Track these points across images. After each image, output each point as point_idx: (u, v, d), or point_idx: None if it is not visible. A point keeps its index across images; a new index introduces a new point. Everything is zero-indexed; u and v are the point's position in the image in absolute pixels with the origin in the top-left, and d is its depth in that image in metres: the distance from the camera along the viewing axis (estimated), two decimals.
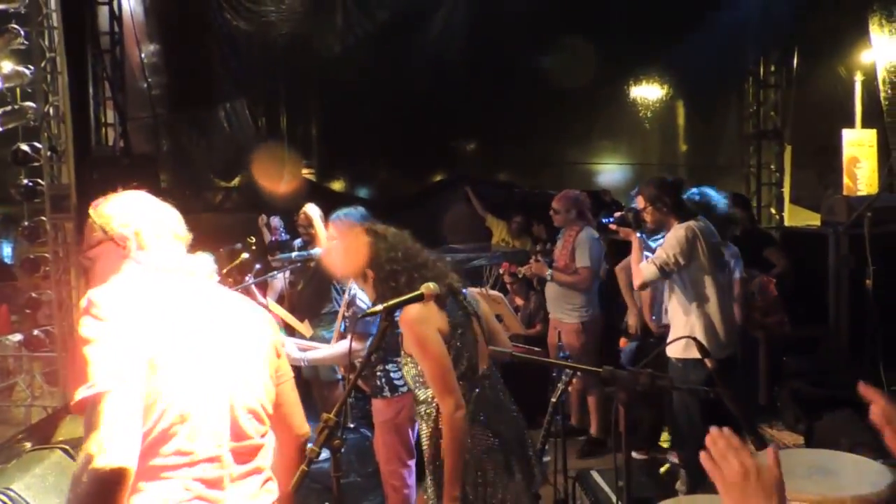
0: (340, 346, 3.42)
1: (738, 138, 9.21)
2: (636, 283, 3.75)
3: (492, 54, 8.81)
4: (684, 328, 3.69)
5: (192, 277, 1.93)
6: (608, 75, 9.06)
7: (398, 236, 2.68)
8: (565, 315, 5.02)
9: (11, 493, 3.13)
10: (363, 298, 3.12)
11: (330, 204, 6.22)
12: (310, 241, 4.89)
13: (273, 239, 6.09)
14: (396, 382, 3.31)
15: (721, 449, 1.30)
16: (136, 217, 1.94)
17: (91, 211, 1.95)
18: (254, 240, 5.37)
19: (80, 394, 1.56)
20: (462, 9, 8.66)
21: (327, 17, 8.30)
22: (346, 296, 3.38)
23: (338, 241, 3.39)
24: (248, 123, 8.80)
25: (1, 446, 5.10)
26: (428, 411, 2.59)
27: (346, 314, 3.41)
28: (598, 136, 9.71)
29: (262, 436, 1.90)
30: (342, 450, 2.03)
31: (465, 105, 8.96)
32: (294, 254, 4.62)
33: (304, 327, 3.89)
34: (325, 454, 1.92)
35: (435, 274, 2.59)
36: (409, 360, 2.57)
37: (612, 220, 3.95)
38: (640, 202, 3.82)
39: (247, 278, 5.53)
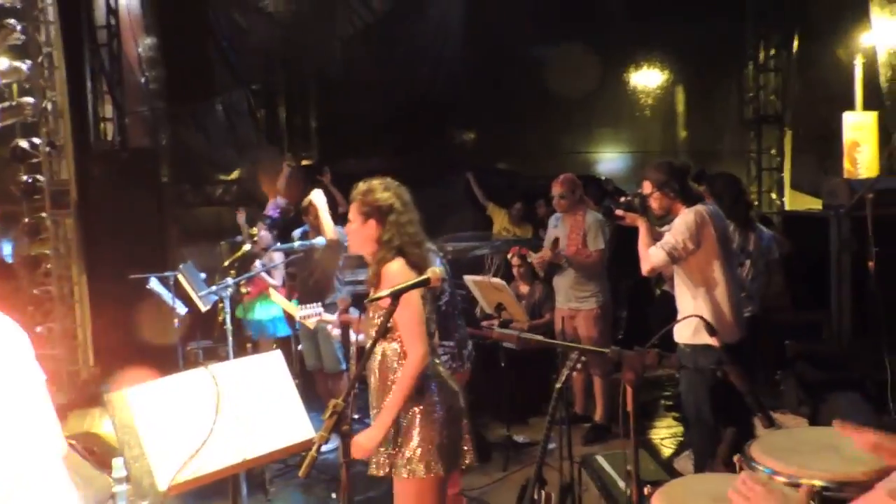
0: None
1: (739, 123, 9.20)
2: (645, 268, 3.73)
3: (490, 43, 8.80)
4: (691, 313, 3.67)
5: None
6: (607, 62, 9.05)
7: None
8: (582, 303, 5.00)
9: None
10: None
11: (328, 195, 6.27)
12: (312, 230, 4.90)
13: (268, 217, 6.09)
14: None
15: (751, 489, 1.30)
16: None
17: None
18: (257, 232, 5.38)
19: None
20: None
21: (326, 7, 8.28)
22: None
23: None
24: (246, 115, 8.80)
25: None
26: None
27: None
28: (598, 124, 9.71)
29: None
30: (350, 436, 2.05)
31: (464, 95, 8.96)
32: (297, 243, 4.62)
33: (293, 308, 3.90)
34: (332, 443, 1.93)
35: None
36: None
37: (618, 204, 3.92)
38: (646, 187, 3.78)
39: (257, 264, 5.55)
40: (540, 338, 2.61)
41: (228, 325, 3.90)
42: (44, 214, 6.41)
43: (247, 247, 4.68)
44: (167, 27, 8.02)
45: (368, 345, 2.27)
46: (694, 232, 3.61)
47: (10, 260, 7.60)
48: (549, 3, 8.54)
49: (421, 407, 2.61)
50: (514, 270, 5.90)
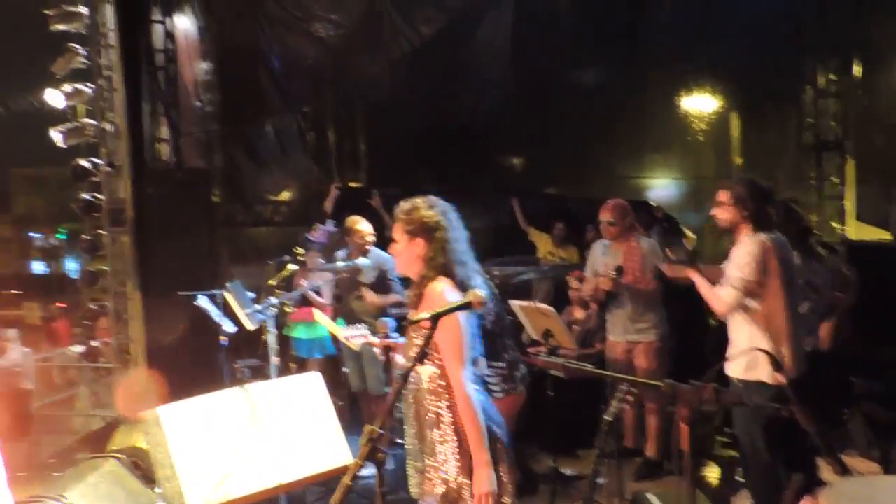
0: None
1: (797, 150, 8.89)
2: (719, 309, 3.53)
3: (538, 66, 8.75)
4: (747, 345, 3.48)
5: None
6: (658, 87, 8.90)
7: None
8: (641, 334, 4.76)
9: (66, 501, 3.16)
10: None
11: (376, 219, 6.24)
12: (356, 251, 4.90)
13: (312, 240, 6.10)
14: (491, 387, 3.23)
15: None
16: None
17: None
18: (302, 251, 5.38)
19: None
20: (507, 22, 8.63)
21: (374, 31, 8.35)
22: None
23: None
24: (296, 138, 8.91)
25: (58, 455, 5.18)
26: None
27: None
28: (649, 149, 9.51)
29: None
30: (386, 465, 1.96)
31: (511, 118, 8.90)
32: (340, 263, 4.58)
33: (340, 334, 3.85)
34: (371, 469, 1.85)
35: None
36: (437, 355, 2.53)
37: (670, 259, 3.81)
38: (722, 196, 3.63)
39: (304, 283, 5.54)
40: (589, 367, 2.46)
41: (271, 345, 3.86)
42: (102, 232, 6.56)
43: (292, 266, 4.65)
44: (222, 52, 8.20)
45: (405, 369, 2.17)
46: (760, 261, 3.46)
47: (75, 276, 7.82)
48: (599, 27, 8.44)
49: (455, 438, 2.47)
50: (571, 293, 5.68)
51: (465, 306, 2.25)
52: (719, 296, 3.51)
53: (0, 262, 14.28)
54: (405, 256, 2.66)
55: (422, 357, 2.16)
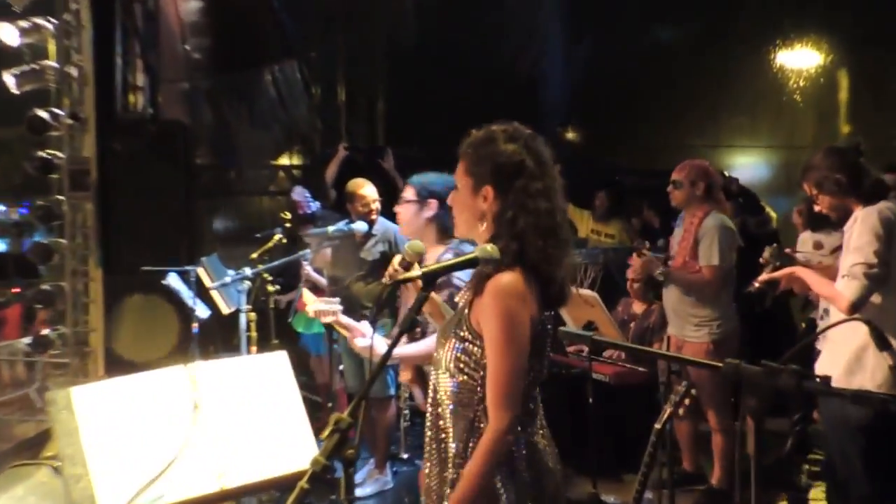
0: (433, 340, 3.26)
1: None
2: (844, 308, 3.28)
3: (591, 11, 8.52)
4: (851, 343, 3.26)
5: None
6: (746, 38, 8.61)
7: None
8: (690, 331, 4.64)
9: None
10: (461, 277, 2.89)
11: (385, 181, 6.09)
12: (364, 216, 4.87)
13: (302, 213, 6.03)
14: None
15: None
16: None
17: None
18: (289, 216, 5.29)
19: None
20: None
21: None
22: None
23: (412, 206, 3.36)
24: (299, 90, 8.80)
25: None
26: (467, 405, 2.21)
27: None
28: (731, 112, 9.22)
29: None
30: (355, 465, 1.81)
31: (560, 74, 8.67)
32: (330, 228, 4.47)
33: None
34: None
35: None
36: (472, 339, 2.18)
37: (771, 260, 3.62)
38: (807, 188, 3.50)
39: (306, 265, 5.45)
40: (613, 341, 2.26)
41: (243, 328, 3.75)
42: (60, 197, 6.50)
43: (278, 236, 4.57)
44: None
45: (393, 338, 1.96)
46: (883, 235, 3.21)
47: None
48: None
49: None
50: (629, 285, 5.56)
51: (471, 263, 2.03)
52: (838, 292, 3.26)
53: None
54: (462, 213, 2.27)
55: (408, 326, 1.96)
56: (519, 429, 2.13)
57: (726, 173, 7.78)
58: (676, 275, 4.61)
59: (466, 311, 2.18)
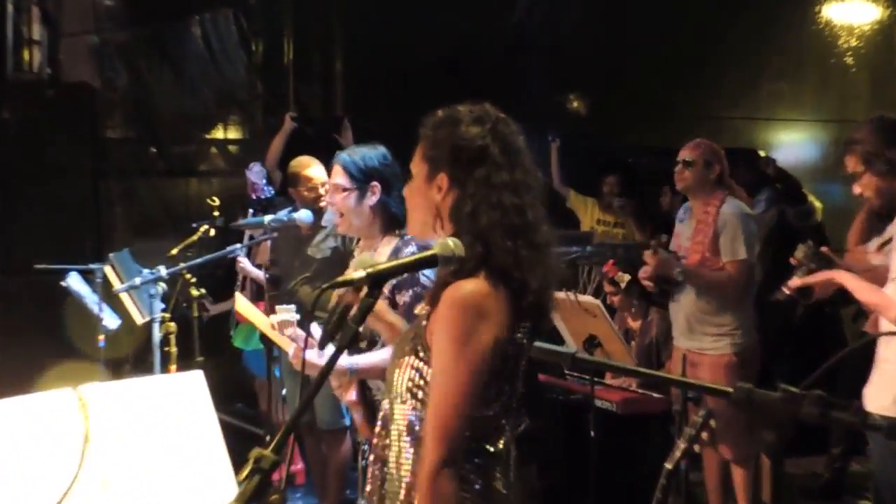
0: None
1: None
2: (892, 316, 3.33)
3: None
4: None
5: None
6: None
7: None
8: (708, 342, 4.75)
9: None
10: (428, 274, 2.95)
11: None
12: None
13: (256, 198, 6.04)
14: None
15: None
16: None
17: None
18: (217, 201, 5.29)
19: None
20: None
21: None
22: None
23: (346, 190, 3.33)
24: (236, 46, 8.74)
25: None
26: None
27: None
28: (768, 76, 9.28)
29: None
30: None
31: (556, 31, 8.75)
32: (268, 217, 4.49)
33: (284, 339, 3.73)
34: None
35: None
36: (425, 357, 2.24)
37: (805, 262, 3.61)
38: (850, 164, 3.53)
39: (241, 259, 5.46)
40: (601, 361, 2.29)
41: (156, 342, 3.76)
42: None
43: (205, 227, 4.59)
44: None
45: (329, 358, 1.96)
46: None
47: None
48: None
49: None
50: (610, 298, 5.72)
51: (429, 261, 2.08)
52: (890, 300, 3.31)
53: None
54: (416, 205, 2.36)
55: (350, 339, 1.95)
56: (473, 465, 2.17)
57: (762, 153, 7.85)
58: (697, 273, 4.68)
59: (424, 323, 2.22)
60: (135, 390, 2.27)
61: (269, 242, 5.12)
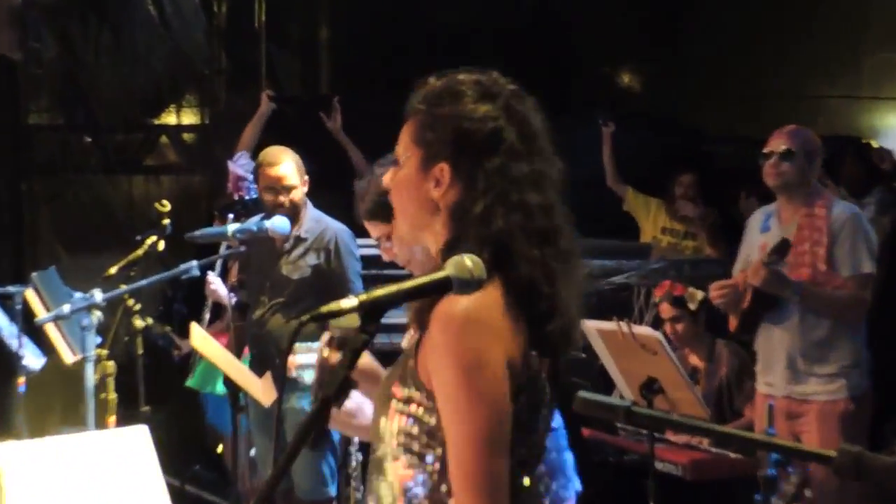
0: None
1: None
2: None
3: None
4: None
5: None
6: None
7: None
8: (815, 384, 4.78)
9: None
10: None
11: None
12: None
13: (238, 198, 6.09)
14: None
15: None
16: None
17: None
18: (167, 206, 5.32)
19: None
20: None
21: None
22: None
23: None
24: (193, 8, 8.86)
25: None
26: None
27: None
28: (875, 47, 9.34)
29: None
30: None
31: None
32: (231, 227, 4.56)
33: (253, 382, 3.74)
34: None
35: None
36: (419, 397, 2.23)
37: None
38: None
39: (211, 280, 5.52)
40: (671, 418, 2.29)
41: (90, 387, 3.78)
42: None
43: (152, 239, 4.64)
44: None
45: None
46: None
47: None
48: None
49: None
50: (667, 327, 5.80)
51: (441, 284, 1.98)
52: None
53: None
54: (405, 203, 2.35)
55: (341, 388, 1.94)
56: None
57: (873, 143, 7.89)
58: (818, 293, 4.69)
59: (412, 359, 2.19)
60: (63, 449, 2.33)
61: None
